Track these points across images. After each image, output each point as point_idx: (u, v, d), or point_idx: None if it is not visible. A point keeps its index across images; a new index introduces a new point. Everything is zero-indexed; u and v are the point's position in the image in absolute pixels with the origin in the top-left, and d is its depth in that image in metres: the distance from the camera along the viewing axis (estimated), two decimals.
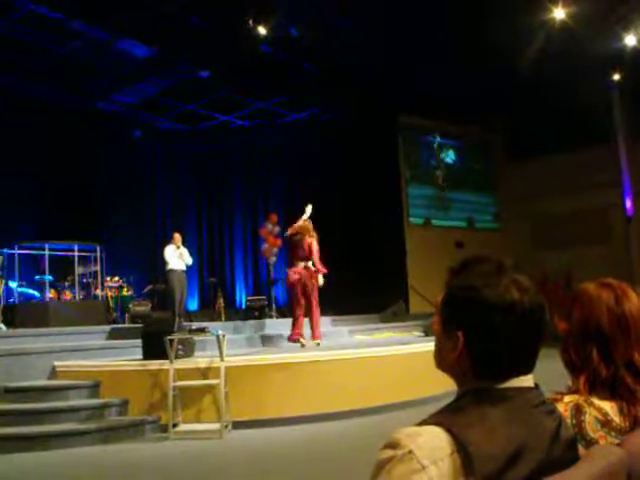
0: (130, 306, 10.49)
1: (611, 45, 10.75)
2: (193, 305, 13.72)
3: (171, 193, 14.61)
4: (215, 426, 5.75)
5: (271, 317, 10.25)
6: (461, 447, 0.89)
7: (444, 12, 9.58)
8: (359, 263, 12.24)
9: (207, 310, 12.33)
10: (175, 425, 5.79)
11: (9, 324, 8.67)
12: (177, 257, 9.74)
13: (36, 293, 10.60)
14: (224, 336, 6.05)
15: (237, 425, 5.91)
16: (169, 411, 5.70)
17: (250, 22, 9.71)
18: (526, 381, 1.00)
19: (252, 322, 9.51)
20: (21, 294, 10.37)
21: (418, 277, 12.85)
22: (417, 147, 14.48)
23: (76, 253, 10.27)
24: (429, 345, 6.14)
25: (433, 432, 0.90)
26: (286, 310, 10.84)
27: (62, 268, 10.66)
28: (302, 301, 7.91)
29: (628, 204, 13.43)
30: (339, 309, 10.91)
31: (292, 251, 8.22)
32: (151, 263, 12.38)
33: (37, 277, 10.58)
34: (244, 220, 14.69)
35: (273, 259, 11.16)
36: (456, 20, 9.77)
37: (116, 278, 11.56)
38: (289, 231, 8.34)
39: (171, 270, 9.71)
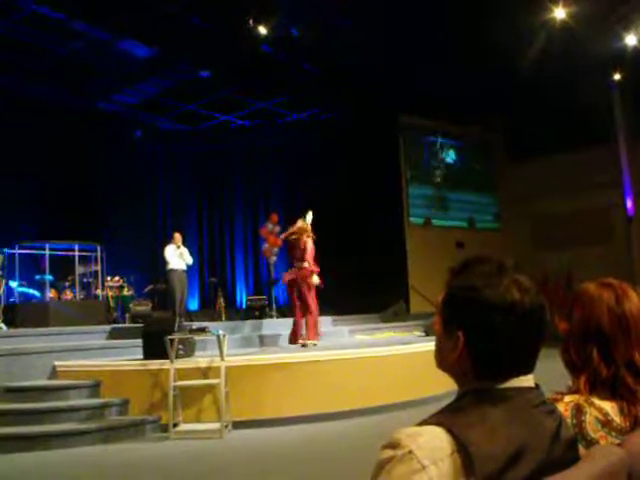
0: (130, 306, 10.50)
1: (612, 45, 10.75)
2: (194, 305, 13.73)
3: (171, 193, 14.62)
4: (215, 426, 5.75)
5: (271, 317, 10.25)
6: (461, 447, 0.89)
7: (444, 12, 9.58)
8: (359, 263, 12.23)
9: (207, 310, 12.33)
10: (175, 425, 5.79)
11: (9, 324, 8.68)
12: (177, 257, 9.75)
13: (37, 293, 10.61)
14: (224, 336, 6.05)
15: (237, 425, 5.91)
16: (169, 411, 5.70)
17: (250, 22, 9.72)
18: (526, 381, 1.00)
19: (251, 322, 9.50)
20: (21, 294, 10.38)
21: (418, 277, 12.85)
22: (417, 147, 14.47)
23: (76, 253, 10.27)
24: (430, 345, 6.14)
25: (433, 432, 0.90)
26: (286, 310, 10.84)
27: (62, 268, 10.66)
28: (297, 302, 7.91)
29: (629, 204, 13.42)
30: (339, 309, 10.91)
31: (290, 252, 8.24)
32: (151, 263, 12.38)
33: (37, 277, 10.58)
34: (244, 220, 14.69)
35: (273, 259, 11.17)
36: (456, 20, 9.77)
37: (116, 278, 11.56)
38: (283, 235, 8.37)
39: (171, 270, 9.71)
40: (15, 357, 6.34)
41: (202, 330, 6.69)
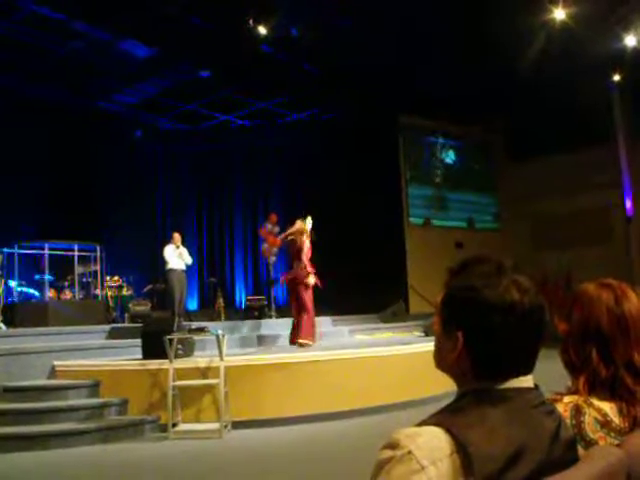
0: (130, 306, 10.49)
1: (611, 46, 10.75)
2: (193, 305, 13.73)
3: (171, 193, 14.62)
4: (214, 426, 5.75)
5: (270, 317, 10.25)
6: (461, 447, 0.89)
7: (444, 12, 9.58)
8: (359, 263, 12.23)
9: (207, 310, 12.33)
10: (174, 425, 5.79)
11: (9, 323, 8.67)
12: (177, 257, 9.75)
13: (36, 292, 10.60)
14: (224, 336, 6.05)
15: (236, 425, 5.91)
16: (169, 411, 5.70)
17: (250, 22, 9.72)
18: (526, 382, 1.00)
19: (250, 322, 9.49)
20: (21, 293, 10.37)
21: (418, 277, 12.85)
22: (417, 147, 14.47)
23: (76, 253, 10.26)
24: (429, 345, 6.13)
25: (433, 432, 0.90)
26: (286, 310, 10.84)
27: (62, 268, 10.66)
28: (293, 302, 7.90)
29: (628, 204, 13.43)
30: (339, 309, 10.92)
31: (288, 252, 8.26)
32: (151, 263, 12.38)
33: (37, 276, 10.58)
34: (244, 220, 14.69)
35: (273, 259, 11.17)
36: (456, 20, 9.77)
37: (116, 278, 11.56)
38: (282, 235, 8.38)
39: (171, 270, 9.71)
40: (14, 357, 6.34)
41: (201, 330, 6.70)
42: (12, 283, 10.16)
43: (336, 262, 11.39)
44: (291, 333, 7.96)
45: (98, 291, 10.85)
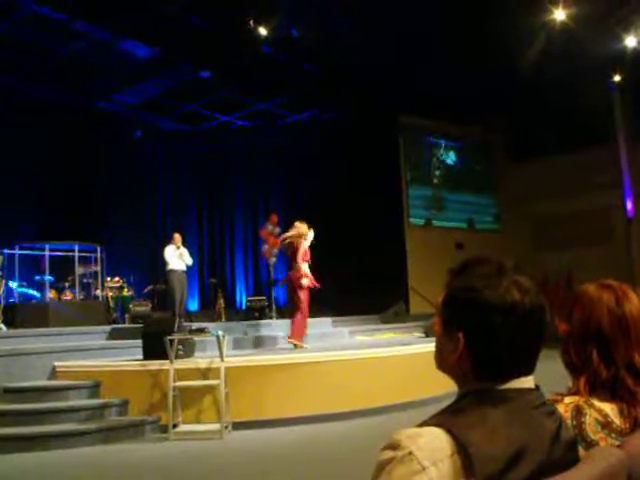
0: (130, 306, 10.49)
1: (612, 46, 10.75)
2: (193, 305, 13.72)
3: (172, 193, 14.61)
4: (215, 427, 5.75)
5: (271, 318, 10.24)
6: (462, 448, 0.88)
7: (445, 12, 9.58)
8: (359, 264, 12.23)
9: (207, 310, 12.32)
10: (175, 425, 5.79)
11: (9, 324, 8.67)
12: (177, 257, 9.75)
13: (36, 293, 10.60)
14: (224, 336, 6.04)
15: (237, 426, 5.91)
16: (169, 411, 5.70)
17: (251, 23, 9.72)
18: (527, 382, 1.00)
19: (250, 323, 9.47)
20: (21, 294, 10.37)
21: (418, 278, 12.85)
22: (418, 148, 14.48)
23: (76, 253, 10.26)
24: (430, 346, 6.14)
25: (434, 433, 0.90)
26: (286, 311, 10.84)
27: (62, 268, 10.66)
28: (291, 303, 7.91)
29: (629, 205, 13.43)
30: (339, 310, 10.91)
31: (287, 255, 8.29)
32: (151, 263, 12.38)
33: (37, 277, 10.58)
34: (244, 221, 14.69)
35: (273, 260, 11.16)
36: (457, 20, 9.77)
37: (116, 278, 11.56)
38: (282, 237, 8.39)
39: (171, 270, 9.71)
40: (15, 357, 6.34)
41: (202, 331, 6.69)
42: (13, 284, 10.16)
43: (336, 262, 11.39)
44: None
45: (99, 292, 10.85)
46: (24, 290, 10.48)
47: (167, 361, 5.88)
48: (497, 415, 0.94)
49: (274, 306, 10.82)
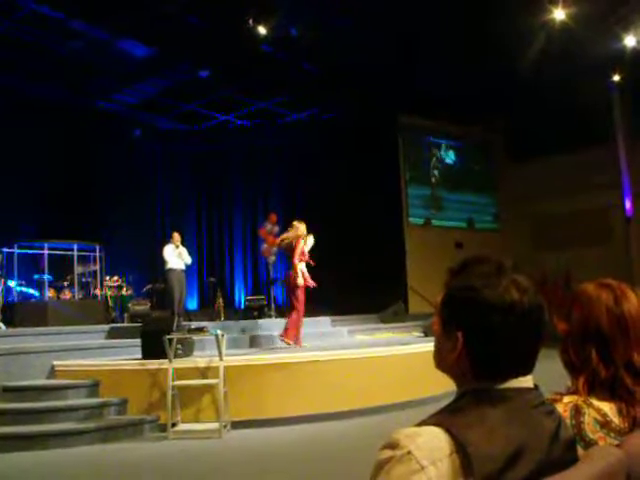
0: (129, 305, 10.49)
1: (611, 46, 10.76)
2: (192, 305, 13.72)
3: (171, 193, 14.61)
4: (214, 426, 5.74)
5: (270, 317, 10.24)
6: (460, 447, 0.88)
7: (445, 12, 9.58)
8: (359, 263, 12.24)
9: (206, 310, 12.32)
10: (174, 424, 5.79)
11: (8, 323, 8.67)
12: (176, 256, 9.74)
13: (35, 292, 10.60)
14: (223, 336, 6.04)
15: (236, 425, 5.91)
16: (168, 410, 5.70)
17: (250, 22, 9.72)
18: (525, 382, 1.00)
19: (249, 322, 9.46)
20: (20, 293, 10.37)
21: (418, 277, 12.85)
22: (417, 147, 14.48)
23: (75, 252, 10.26)
24: (429, 345, 6.14)
25: (432, 432, 0.90)
26: (285, 310, 10.84)
27: (61, 267, 10.66)
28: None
29: (628, 205, 13.44)
30: (339, 309, 10.91)
31: (284, 254, 8.29)
32: (150, 262, 12.38)
33: (36, 276, 10.58)
34: (244, 220, 14.69)
35: (272, 259, 11.17)
36: (457, 20, 9.77)
37: (115, 277, 11.56)
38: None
39: (170, 269, 9.70)
40: (14, 356, 6.34)
41: (201, 330, 6.69)
42: (12, 283, 10.16)
43: (336, 262, 11.39)
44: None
45: (97, 291, 10.85)
46: (23, 289, 10.47)
47: (166, 360, 5.88)
48: (496, 414, 0.94)
49: (273, 305, 10.82)
